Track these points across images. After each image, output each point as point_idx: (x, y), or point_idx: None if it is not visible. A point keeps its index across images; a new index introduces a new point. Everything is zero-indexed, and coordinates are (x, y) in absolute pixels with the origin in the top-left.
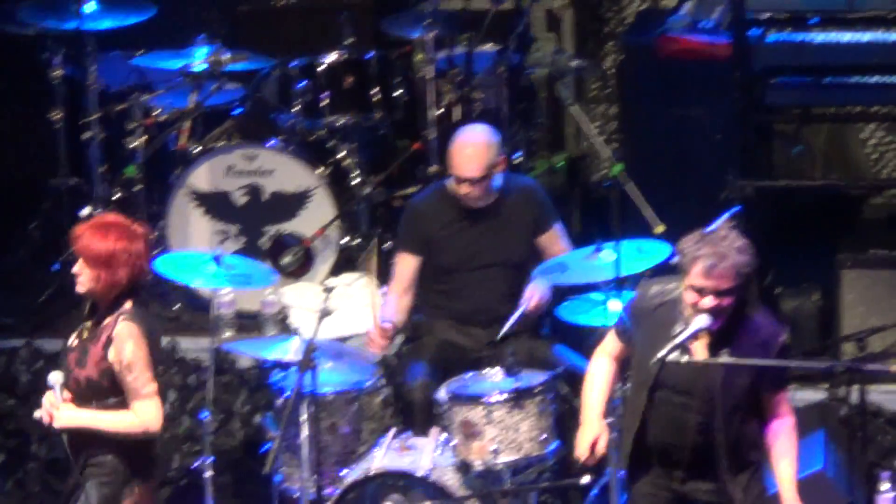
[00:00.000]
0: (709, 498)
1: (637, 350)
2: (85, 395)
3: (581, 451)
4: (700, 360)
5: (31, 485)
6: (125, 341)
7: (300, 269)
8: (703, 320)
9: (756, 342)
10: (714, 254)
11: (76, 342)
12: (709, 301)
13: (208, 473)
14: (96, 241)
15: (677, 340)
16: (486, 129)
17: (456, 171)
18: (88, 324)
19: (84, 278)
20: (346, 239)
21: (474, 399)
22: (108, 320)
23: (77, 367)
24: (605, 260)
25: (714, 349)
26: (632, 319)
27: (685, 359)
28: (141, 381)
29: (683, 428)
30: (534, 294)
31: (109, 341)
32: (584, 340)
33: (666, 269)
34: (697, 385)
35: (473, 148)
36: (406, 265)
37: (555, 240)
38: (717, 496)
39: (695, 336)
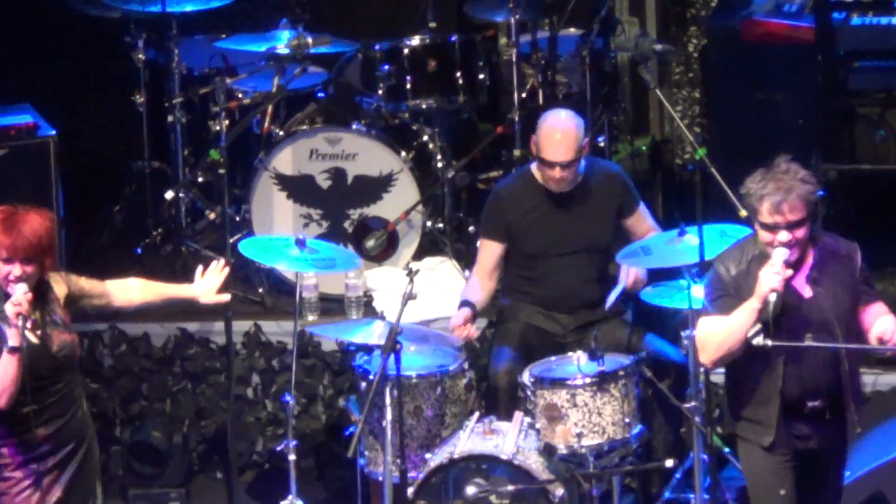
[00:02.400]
0: (823, 444)
1: None
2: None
3: None
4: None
5: (114, 468)
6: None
7: (384, 252)
8: (782, 253)
9: (839, 260)
10: (779, 189)
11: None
12: (784, 235)
13: (292, 457)
14: (45, 230)
15: (771, 300)
16: (570, 113)
17: (547, 155)
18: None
19: (32, 273)
20: (430, 223)
21: (558, 383)
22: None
23: (52, 341)
24: (688, 244)
25: (807, 279)
26: (729, 290)
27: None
28: None
29: (812, 369)
30: (629, 270)
31: (57, 304)
32: (667, 323)
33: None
34: (813, 320)
35: (563, 132)
36: (489, 251)
37: (641, 220)
38: (829, 440)
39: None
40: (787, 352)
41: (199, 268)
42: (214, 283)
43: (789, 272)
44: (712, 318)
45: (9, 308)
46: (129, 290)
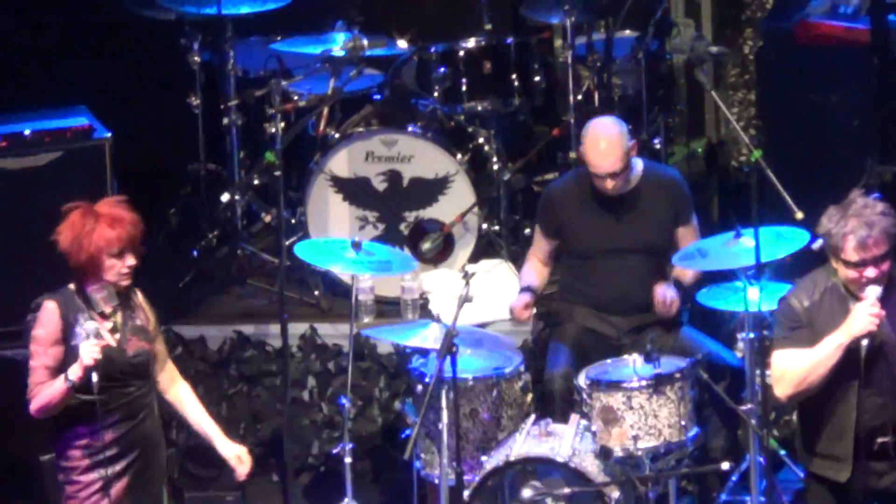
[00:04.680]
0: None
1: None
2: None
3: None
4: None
5: (170, 470)
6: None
7: (440, 255)
8: (875, 291)
9: None
10: (862, 225)
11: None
12: (871, 272)
13: (348, 460)
14: (137, 227)
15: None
16: (613, 119)
17: (595, 168)
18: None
19: (135, 266)
20: (486, 225)
21: (614, 385)
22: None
23: (129, 346)
24: (745, 246)
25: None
26: (802, 322)
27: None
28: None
29: (886, 404)
30: (658, 298)
31: (142, 311)
32: (723, 326)
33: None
34: (889, 351)
35: (607, 141)
36: (542, 244)
37: (691, 234)
38: None
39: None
40: (865, 383)
41: (241, 464)
42: (241, 467)
43: (883, 312)
44: (789, 351)
45: (86, 352)
46: (173, 387)
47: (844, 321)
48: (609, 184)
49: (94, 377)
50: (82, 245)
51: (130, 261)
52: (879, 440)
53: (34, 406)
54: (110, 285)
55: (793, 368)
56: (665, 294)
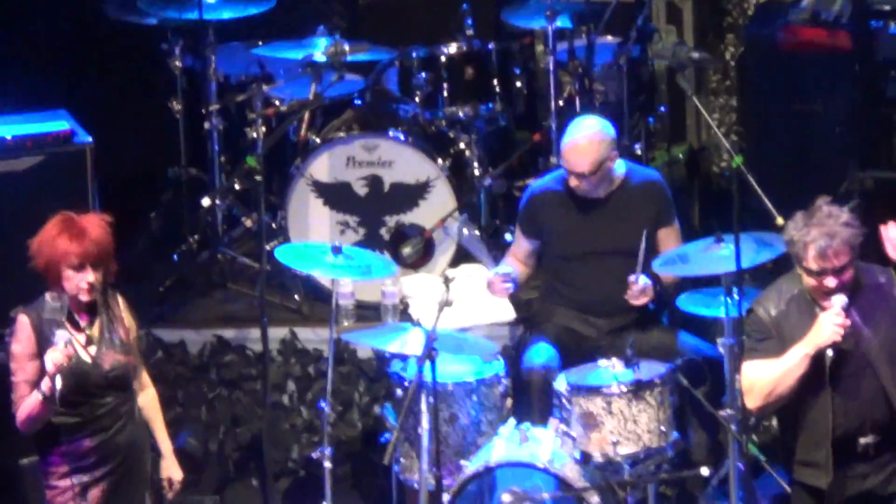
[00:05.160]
0: (882, 484)
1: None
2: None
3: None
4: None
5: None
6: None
7: (420, 259)
8: (840, 300)
9: (871, 289)
10: (823, 235)
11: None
12: (831, 281)
13: (327, 464)
14: (107, 233)
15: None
16: (597, 121)
17: (567, 166)
18: (95, 329)
19: (100, 280)
20: (466, 230)
21: (594, 390)
22: (113, 307)
23: (105, 360)
24: (725, 251)
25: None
26: (770, 332)
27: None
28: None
29: (862, 406)
30: (630, 280)
31: (121, 323)
32: (706, 331)
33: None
34: (856, 357)
35: (585, 143)
36: (522, 243)
37: (672, 236)
38: (887, 481)
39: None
40: (836, 388)
41: (168, 489)
42: (167, 490)
43: (848, 321)
44: (756, 362)
45: (49, 358)
46: (141, 394)
47: (806, 330)
48: (575, 182)
49: (59, 383)
50: (42, 251)
51: (90, 276)
52: (861, 441)
53: (19, 420)
54: (65, 298)
55: (761, 379)
56: (637, 278)
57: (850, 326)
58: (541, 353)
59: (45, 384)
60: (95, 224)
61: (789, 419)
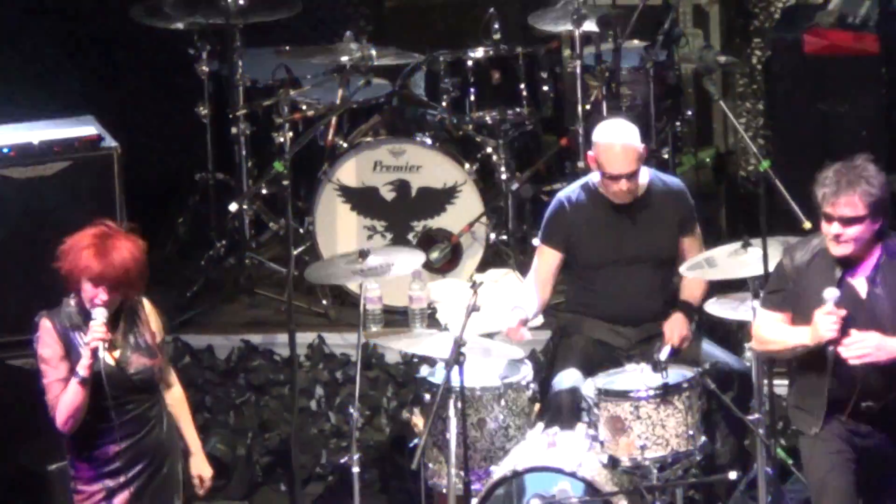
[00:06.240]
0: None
1: (805, 309)
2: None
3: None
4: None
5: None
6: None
7: (447, 264)
8: (833, 294)
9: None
10: (839, 181)
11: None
12: (836, 228)
13: (355, 469)
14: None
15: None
16: (624, 122)
17: (609, 169)
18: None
19: (114, 301)
20: (494, 235)
21: (622, 395)
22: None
23: (129, 364)
24: (753, 256)
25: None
26: (788, 283)
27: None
28: None
29: (863, 372)
30: (673, 331)
31: (147, 327)
32: (731, 336)
33: None
34: (863, 320)
35: (623, 142)
36: (547, 258)
37: (695, 244)
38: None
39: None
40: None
41: (199, 486)
42: (198, 488)
43: (843, 312)
44: (768, 312)
45: (89, 336)
46: (168, 392)
47: (824, 290)
48: (624, 185)
49: (102, 352)
50: (68, 256)
51: (103, 296)
52: (864, 404)
53: (59, 419)
54: (80, 306)
55: (764, 334)
56: (673, 333)
57: (865, 294)
58: (569, 378)
59: (84, 368)
60: (126, 248)
61: (795, 365)
